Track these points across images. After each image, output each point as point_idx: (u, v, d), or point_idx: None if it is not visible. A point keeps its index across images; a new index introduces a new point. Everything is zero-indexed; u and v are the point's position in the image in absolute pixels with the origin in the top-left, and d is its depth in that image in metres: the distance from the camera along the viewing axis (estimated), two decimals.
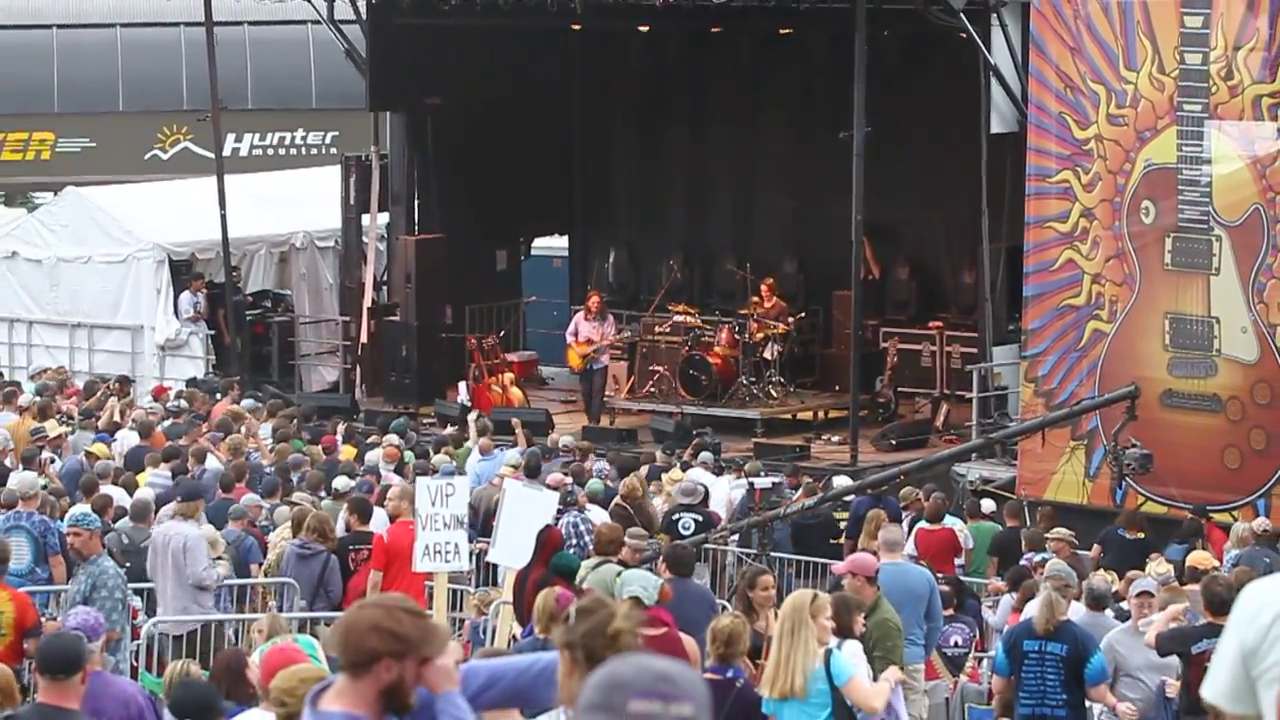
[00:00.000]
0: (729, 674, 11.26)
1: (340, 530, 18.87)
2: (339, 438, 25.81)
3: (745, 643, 11.68)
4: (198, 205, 32.71)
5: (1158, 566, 18.40)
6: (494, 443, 25.50)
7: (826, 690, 11.50)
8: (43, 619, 15.20)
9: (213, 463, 23.01)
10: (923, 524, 21.32)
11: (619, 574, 14.95)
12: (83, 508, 18.14)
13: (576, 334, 30.14)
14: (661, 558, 16.12)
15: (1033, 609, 14.37)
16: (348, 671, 5.95)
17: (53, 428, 25.04)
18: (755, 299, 29.50)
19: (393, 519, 18.49)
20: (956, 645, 16.90)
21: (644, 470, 23.84)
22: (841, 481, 23.25)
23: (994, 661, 15.12)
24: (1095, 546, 20.92)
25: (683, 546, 16.95)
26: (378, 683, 5.87)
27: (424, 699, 6.01)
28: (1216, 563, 18.18)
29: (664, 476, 23.85)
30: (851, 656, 11.87)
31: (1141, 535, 20.93)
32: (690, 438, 27.09)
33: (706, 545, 21.43)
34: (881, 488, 22.75)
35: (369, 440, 26.00)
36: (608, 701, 3.74)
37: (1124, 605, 16.06)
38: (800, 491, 23.42)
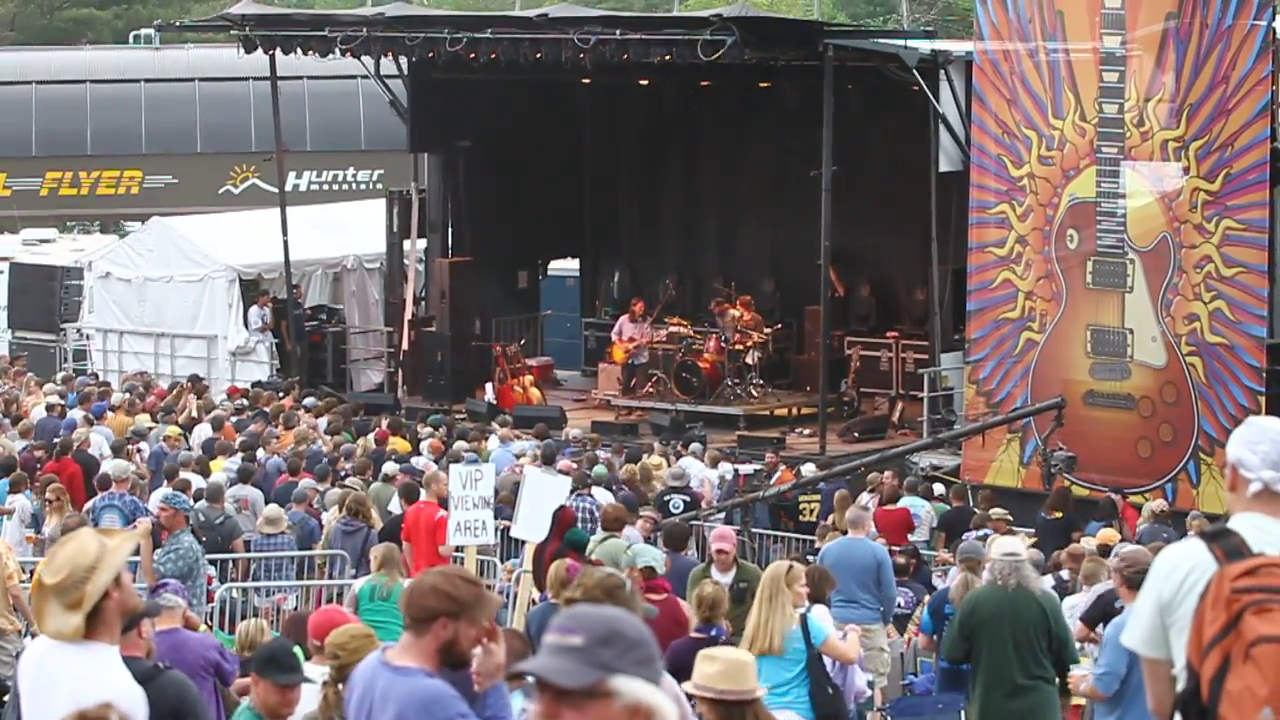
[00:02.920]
0: (713, 632, 11.29)
1: (395, 509, 18.91)
2: (389, 430, 25.78)
3: (725, 606, 11.71)
4: (264, 232, 32.70)
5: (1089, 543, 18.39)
6: (514, 434, 25.53)
7: (802, 649, 11.52)
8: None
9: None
10: (879, 504, 21.32)
11: (628, 547, 14.97)
12: (179, 492, 18.20)
13: (620, 333, 30.31)
14: (660, 534, 16.13)
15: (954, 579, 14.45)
16: (411, 629, 5.96)
17: (143, 421, 25.12)
18: (734, 313, 29.52)
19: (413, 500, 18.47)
20: (900, 606, 16.91)
21: (644, 459, 23.86)
22: (809, 468, 23.22)
23: (920, 622, 15.15)
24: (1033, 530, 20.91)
25: (678, 524, 16.97)
26: (436, 640, 5.88)
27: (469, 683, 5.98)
28: (1119, 536, 18.22)
29: (646, 460, 23.78)
30: (822, 619, 11.89)
31: (1059, 515, 20.97)
32: (683, 431, 27.14)
33: (694, 521, 21.46)
34: (846, 475, 22.78)
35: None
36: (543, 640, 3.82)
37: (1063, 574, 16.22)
38: (777, 476, 23.46)
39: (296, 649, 8.18)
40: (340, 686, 7.95)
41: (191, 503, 18.47)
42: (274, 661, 8.03)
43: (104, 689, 5.83)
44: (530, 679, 3.76)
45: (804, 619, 11.59)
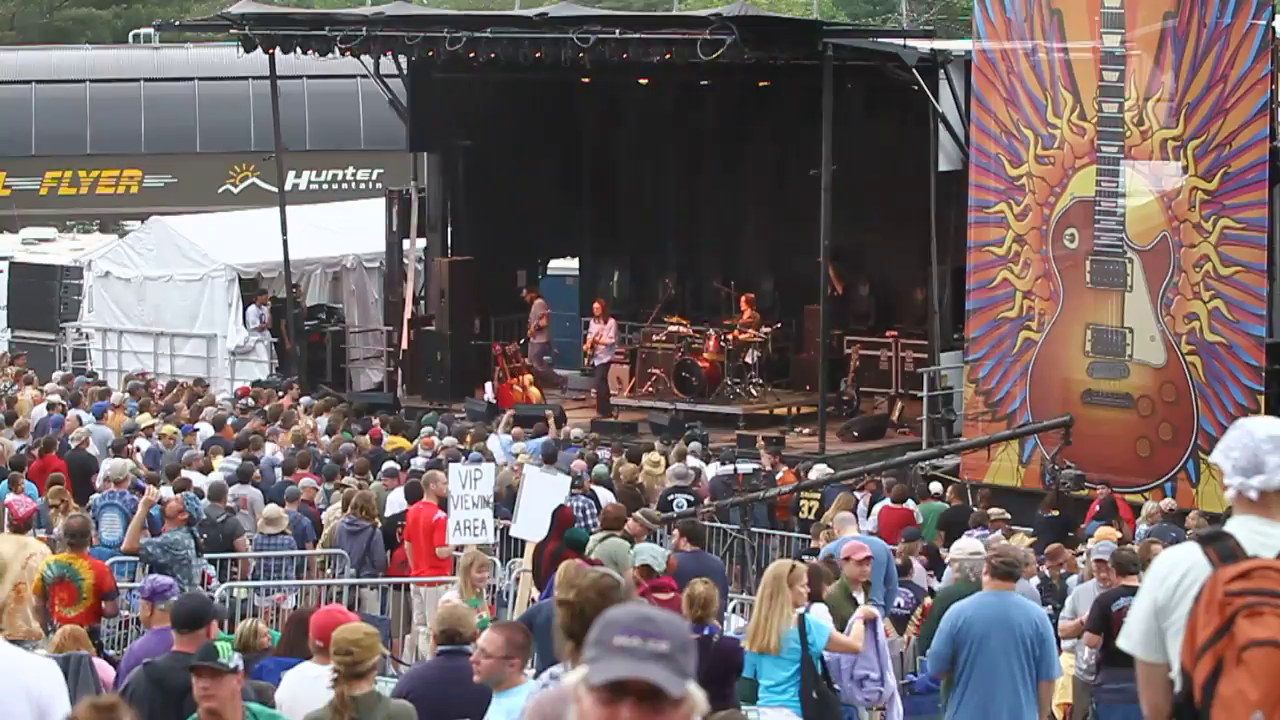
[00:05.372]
0: (705, 631, 11.29)
1: (392, 509, 18.91)
2: (384, 430, 25.77)
3: (717, 604, 11.73)
4: (263, 232, 32.72)
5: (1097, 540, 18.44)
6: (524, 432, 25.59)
7: (797, 649, 11.54)
8: (119, 585, 15.20)
9: (273, 450, 23.05)
10: (886, 503, 21.33)
11: (631, 547, 14.94)
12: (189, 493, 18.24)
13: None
14: (678, 530, 16.07)
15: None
16: None
17: (143, 421, 25.13)
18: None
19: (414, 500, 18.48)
20: (899, 607, 16.93)
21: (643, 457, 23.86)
22: (822, 469, 23.16)
23: None
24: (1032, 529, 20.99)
25: (698, 521, 16.93)
26: None
27: None
28: (1119, 534, 18.26)
29: (644, 458, 23.76)
30: (821, 619, 11.92)
31: (1056, 512, 21.03)
32: (682, 430, 27.12)
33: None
34: (849, 479, 22.74)
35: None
36: (599, 637, 3.76)
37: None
38: (782, 475, 23.44)
39: (221, 643, 8.06)
40: (352, 684, 7.91)
41: (200, 505, 18.49)
42: (206, 656, 7.95)
43: (33, 671, 5.89)
44: (601, 682, 3.71)
45: (802, 619, 11.61)
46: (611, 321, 30.36)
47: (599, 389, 30.34)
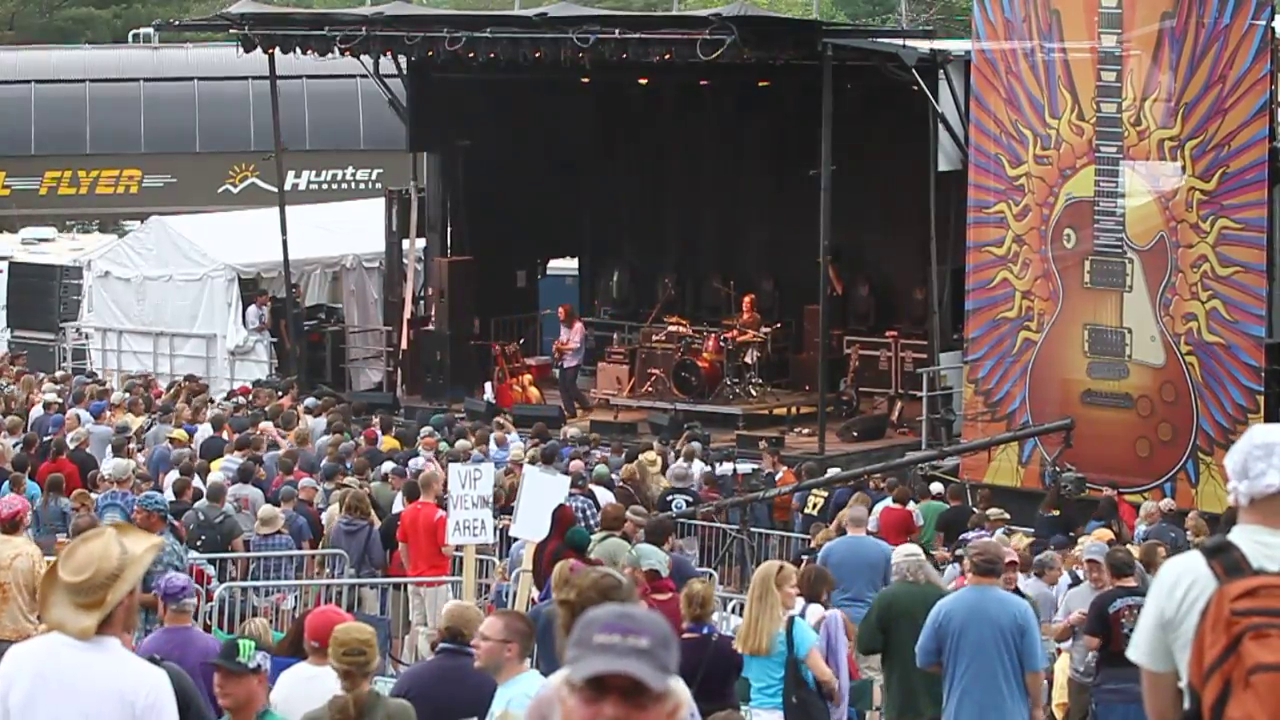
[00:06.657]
0: (704, 630, 11.29)
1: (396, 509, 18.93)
2: (379, 430, 25.76)
3: (714, 604, 11.74)
4: (263, 231, 32.72)
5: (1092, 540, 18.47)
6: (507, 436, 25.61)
7: (785, 651, 11.55)
8: None
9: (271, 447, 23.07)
10: (887, 503, 21.34)
11: (632, 548, 14.98)
12: (155, 493, 18.20)
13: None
14: (644, 530, 16.14)
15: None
16: None
17: (135, 423, 25.12)
18: (741, 312, 29.69)
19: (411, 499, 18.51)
20: None
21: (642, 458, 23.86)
22: (834, 473, 23.12)
23: None
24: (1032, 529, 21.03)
25: (659, 520, 16.98)
26: None
27: None
28: (1111, 535, 18.28)
29: (641, 457, 23.78)
30: (808, 629, 11.91)
31: (1056, 512, 21.05)
32: (682, 430, 27.13)
33: (696, 521, 21.52)
34: (849, 481, 22.77)
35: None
36: (580, 637, 3.80)
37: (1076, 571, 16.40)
38: (781, 475, 23.45)
39: (244, 641, 8.01)
40: (365, 681, 7.91)
41: (162, 499, 18.43)
42: (226, 654, 7.92)
43: (133, 679, 5.91)
44: (581, 679, 3.75)
45: (791, 622, 11.61)
46: (577, 325, 30.40)
47: (565, 394, 30.35)
